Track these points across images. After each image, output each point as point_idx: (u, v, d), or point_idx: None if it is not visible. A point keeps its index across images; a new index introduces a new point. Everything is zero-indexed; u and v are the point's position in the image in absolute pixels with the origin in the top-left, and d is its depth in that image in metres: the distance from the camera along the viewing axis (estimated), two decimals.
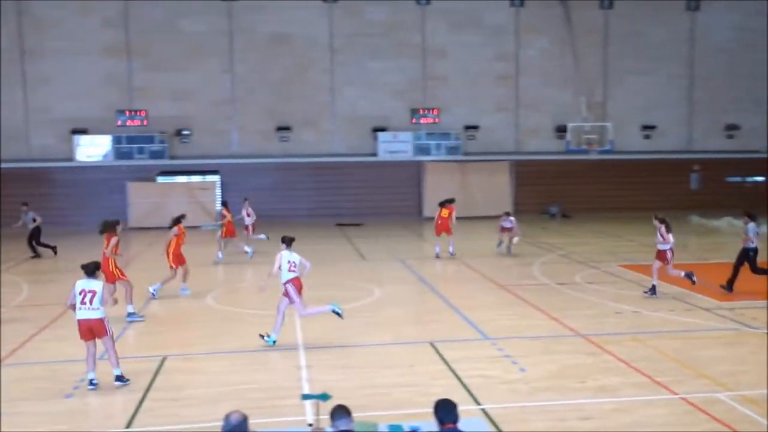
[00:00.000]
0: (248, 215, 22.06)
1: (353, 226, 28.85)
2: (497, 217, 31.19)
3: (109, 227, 13.58)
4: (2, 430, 8.04)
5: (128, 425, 8.07)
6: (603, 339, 11.22)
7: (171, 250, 15.18)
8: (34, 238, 21.63)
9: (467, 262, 19.35)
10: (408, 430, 6.52)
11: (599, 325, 12.28)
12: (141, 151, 30.08)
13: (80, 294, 9.29)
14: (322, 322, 12.91)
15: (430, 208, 31.98)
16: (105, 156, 30.04)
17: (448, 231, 20.15)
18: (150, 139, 30.10)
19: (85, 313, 9.29)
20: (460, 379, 9.44)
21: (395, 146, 32.04)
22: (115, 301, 10.75)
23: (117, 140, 29.93)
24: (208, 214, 29.51)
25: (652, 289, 14.34)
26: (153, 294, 14.95)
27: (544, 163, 33.08)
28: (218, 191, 30.27)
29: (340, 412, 5.46)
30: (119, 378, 9.38)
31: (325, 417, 6.04)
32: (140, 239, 25.93)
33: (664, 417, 8.03)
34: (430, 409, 5.48)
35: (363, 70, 31.94)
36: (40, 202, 29.45)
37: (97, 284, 9.39)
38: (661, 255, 14.43)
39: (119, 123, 29.86)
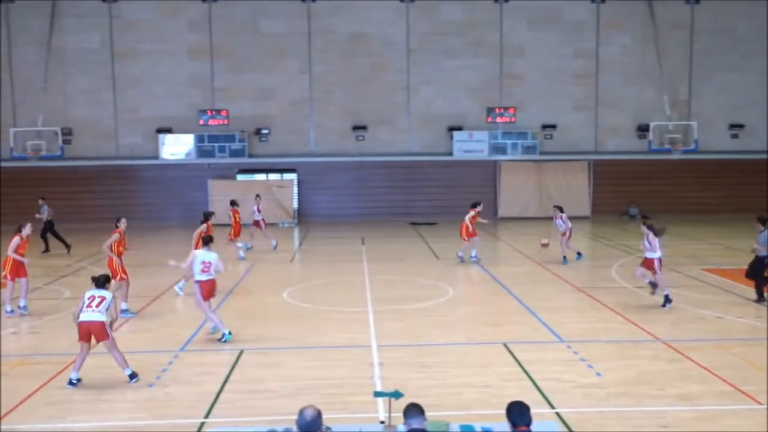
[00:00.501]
0: (259, 212, 22.41)
1: (427, 225, 28.84)
2: (573, 218, 30.71)
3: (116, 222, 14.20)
4: (89, 417, 8.43)
5: (206, 416, 8.33)
6: (684, 345, 10.86)
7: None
8: (48, 231, 22.20)
9: (543, 263, 19.05)
10: (480, 430, 6.49)
11: (680, 330, 11.89)
12: (222, 149, 30.90)
13: (88, 299, 9.50)
14: (396, 320, 12.98)
15: (505, 208, 31.71)
16: (188, 154, 31.00)
17: (465, 234, 18.86)
18: (231, 138, 30.88)
19: (87, 315, 9.38)
20: (533, 381, 9.33)
21: (470, 145, 31.84)
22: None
23: (199, 139, 30.83)
24: (285, 212, 30.07)
25: (652, 285, 13.71)
26: (180, 290, 15.14)
27: (624, 162, 32.22)
28: (295, 189, 30.80)
29: (414, 410, 5.47)
30: (132, 376, 9.44)
31: (398, 415, 6.09)
32: (220, 235, 26.61)
33: (749, 428, 7.72)
34: (503, 411, 5.44)
35: (439, 69, 31.88)
36: (128, 198, 30.85)
37: (107, 294, 9.62)
38: (647, 263, 13.61)
39: (201, 122, 30.75)
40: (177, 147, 30.94)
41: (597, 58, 32.43)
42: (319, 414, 5.30)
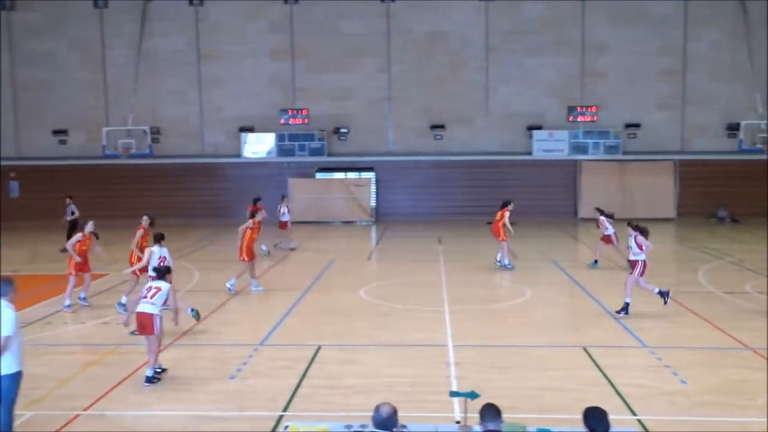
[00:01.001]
0: (288, 212, 22.39)
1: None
2: (657, 220, 29.79)
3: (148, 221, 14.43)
4: (175, 405, 8.75)
5: (285, 409, 8.51)
6: None
7: (244, 244, 15.35)
8: (73, 230, 22.41)
9: (626, 265, 18.54)
10: None
11: None
12: (302, 148, 31.42)
13: (146, 290, 9.67)
14: (473, 320, 12.92)
15: (586, 209, 31.01)
16: (269, 153, 31.67)
17: (497, 235, 18.25)
18: (310, 137, 31.37)
19: (142, 307, 9.49)
20: (614, 387, 9.12)
21: (550, 144, 31.30)
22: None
23: (280, 138, 31.45)
24: (363, 210, 30.33)
25: (625, 308, 12.89)
26: (230, 289, 15.23)
27: (712, 163, 30.98)
28: (373, 188, 31.03)
29: (491, 411, 5.43)
30: (149, 379, 9.39)
31: (473, 415, 6.07)
32: (299, 232, 27.09)
33: None
34: (581, 416, 5.35)
35: (518, 68, 31.48)
36: (211, 195, 31.81)
37: (164, 285, 9.72)
38: (633, 265, 13.03)
39: (282, 121, 31.35)
40: (258, 146, 31.66)
41: (684, 54, 31.32)
42: (394, 411, 5.34)
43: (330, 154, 31.57)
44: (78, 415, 8.35)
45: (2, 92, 32.17)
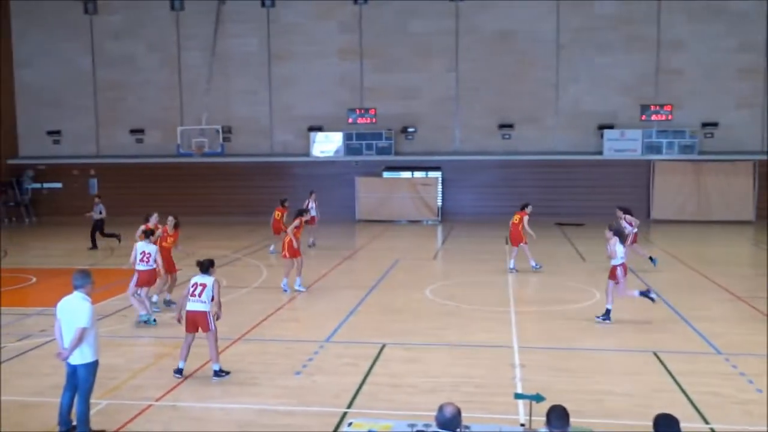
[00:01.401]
0: (316, 207, 22.59)
1: (573, 226, 28.02)
2: (735, 222, 28.71)
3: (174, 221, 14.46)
4: (242, 399, 8.95)
5: (349, 406, 8.60)
6: None
7: (287, 242, 15.35)
8: (97, 229, 22.57)
9: (701, 269, 17.98)
10: None
11: None
12: (369, 147, 31.62)
13: (192, 287, 9.65)
14: (539, 322, 12.75)
15: (658, 211, 30.19)
16: (337, 152, 32.00)
17: (515, 240, 17.87)
18: (378, 136, 31.53)
19: (192, 305, 9.58)
20: (686, 394, 8.85)
21: (622, 144, 30.56)
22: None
23: (348, 137, 31.72)
24: (429, 210, 30.30)
25: (606, 314, 12.53)
26: (295, 289, 15.28)
27: None
28: (440, 187, 30.96)
29: (558, 414, 5.34)
30: (217, 373, 9.55)
31: (538, 418, 6.00)
32: (366, 231, 27.29)
33: None
34: (649, 423, 5.22)
35: (589, 66, 30.85)
36: (280, 193, 32.24)
37: (209, 279, 9.70)
38: (611, 271, 12.63)
39: (350, 121, 31.62)
40: (327, 144, 32.01)
41: (766, 51, 30.06)
42: (458, 412, 5.32)
43: (397, 153, 31.65)
44: (150, 405, 8.64)
45: (84, 93, 33.54)
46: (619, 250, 12.59)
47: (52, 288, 12.96)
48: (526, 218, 17.80)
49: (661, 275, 17.49)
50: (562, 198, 30.88)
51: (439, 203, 30.93)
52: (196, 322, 9.62)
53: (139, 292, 12.78)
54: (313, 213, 22.46)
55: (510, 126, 31.45)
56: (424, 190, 30.55)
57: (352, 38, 32.05)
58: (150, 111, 33.22)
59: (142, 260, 12.71)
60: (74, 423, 7.70)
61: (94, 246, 22.44)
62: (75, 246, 23.38)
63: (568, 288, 15.94)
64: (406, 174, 31.58)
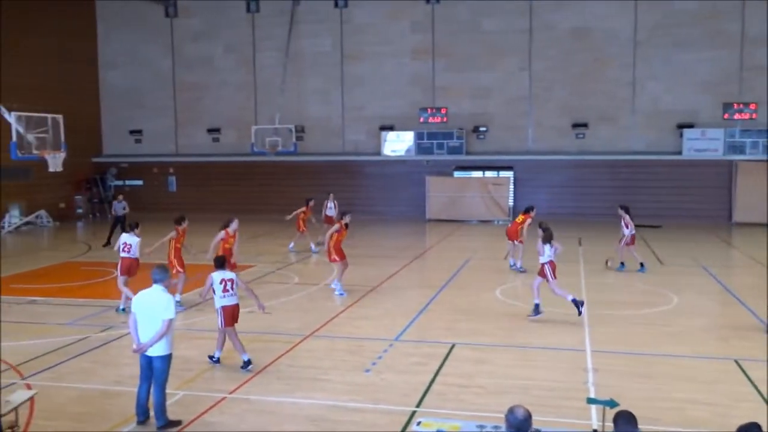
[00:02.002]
0: (334, 207, 22.67)
1: (650, 228, 27.22)
2: None
3: (178, 221, 14.60)
4: (313, 394, 9.08)
5: (418, 405, 8.61)
6: None
7: (332, 244, 15.23)
8: (117, 226, 22.59)
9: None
10: None
11: None
12: (440, 146, 31.53)
13: (221, 283, 9.96)
14: (613, 326, 12.46)
15: (741, 213, 29.00)
16: (407, 151, 32.03)
17: (512, 237, 18.17)
18: (449, 135, 31.41)
19: (229, 300, 9.98)
20: None
21: (703, 144, 29.49)
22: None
23: (419, 136, 31.72)
24: (501, 210, 30.00)
25: (535, 309, 12.80)
26: (341, 293, 15.15)
27: None
28: (511, 187, 30.62)
29: (626, 419, 5.20)
30: (247, 363, 9.84)
31: (612, 425, 5.86)
32: (436, 230, 27.24)
33: None
34: None
35: (668, 63, 29.90)
36: (351, 192, 32.62)
37: (231, 274, 10.11)
38: (540, 269, 12.82)
39: (421, 120, 31.61)
40: (398, 144, 32.09)
41: None
42: (529, 415, 5.26)
43: (468, 153, 31.46)
44: (224, 398, 8.87)
45: (164, 94, 34.67)
46: (546, 248, 12.78)
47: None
48: (528, 221, 17.90)
49: (742, 279, 16.84)
50: (638, 199, 29.96)
51: (511, 203, 30.58)
52: (234, 316, 10.07)
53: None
54: (330, 213, 22.73)
55: (584, 125, 30.81)
56: (495, 190, 30.26)
57: (425, 37, 32.02)
58: (226, 111, 34.06)
59: (123, 249, 13.60)
60: (151, 413, 8.00)
61: (108, 243, 22.66)
62: (153, 241, 24.14)
63: (644, 291, 15.52)
64: (477, 173, 31.35)
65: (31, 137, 17.91)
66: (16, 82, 27.08)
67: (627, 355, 10.68)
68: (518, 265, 17.98)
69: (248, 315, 13.41)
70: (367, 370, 9.95)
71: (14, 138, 17.52)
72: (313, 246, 21.56)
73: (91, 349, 11.11)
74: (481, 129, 31.61)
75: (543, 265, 12.90)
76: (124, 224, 23.06)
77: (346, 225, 15.43)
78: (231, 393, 9.03)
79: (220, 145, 34.32)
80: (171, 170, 34.85)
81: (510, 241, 18.33)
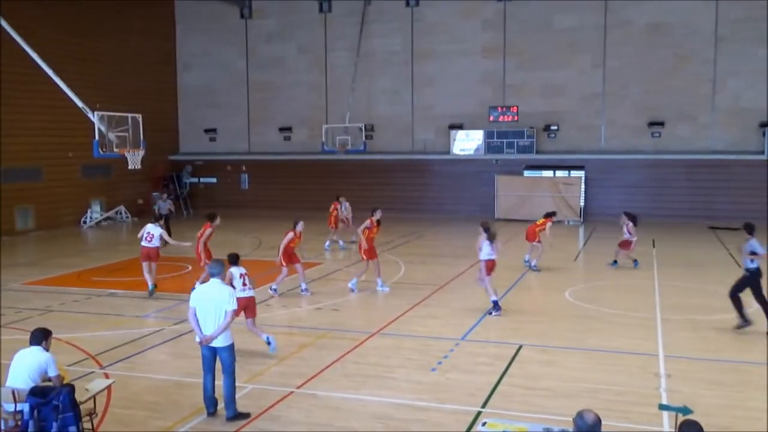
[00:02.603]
0: (344, 210, 22.53)
1: (729, 231, 26.21)
2: None
3: (210, 217, 15.08)
4: (379, 391, 9.13)
5: (483, 406, 8.56)
6: None
7: (361, 244, 15.34)
8: (168, 223, 23.09)
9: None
10: None
11: None
12: (510, 145, 31.18)
13: (240, 278, 10.70)
14: (688, 330, 12.09)
15: None
16: (477, 150, 31.80)
17: (530, 238, 18.22)
18: (519, 134, 31.02)
19: (247, 293, 10.68)
20: None
21: None
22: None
23: (489, 135, 31.45)
24: (571, 210, 29.46)
25: (494, 307, 13.14)
26: (378, 290, 15.25)
27: None
28: (582, 187, 30.01)
29: (692, 428, 5.03)
30: (269, 341, 10.60)
31: None
32: (505, 230, 26.94)
33: None
34: None
35: (752, 59, 28.67)
36: (420, 190, 32.65)
37: (243, 269, 10.86)
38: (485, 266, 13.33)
39: (491, 119, 31.33)
40: (467, 143, 31.90)
41: None
42: (599, 420, 5.14)
43: (539, 152, 31.00)
44: (292, 392, 9.02)
45: (238, 94, 35.47)
46: (485, 246, 13.27)
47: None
48: (549, 224, 18.09)
49: None
50: (717, 200, 29.01)
51: (582, 203, 29.98)
52: (249, 307, 10.79)
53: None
54: (343, 214, 22.67)
55: (660, 124, 29.91)
56: (566, 190, 29.73)
57: (496, 36, 31.72)
58: (298, 110, 34.58)
59: (146, 239, 14.90)
60: (220, 404, 8.20)
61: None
62: (226, 238, 24.75)
63: (721, 296, 14.93)
64: (548, 173, 30.85)
65: (112, 136, 18.64)
66: (98, 82, 28.20)
67: (701, 361, 10.34)
68: (533, 263, 18.11)
69: (316, 311, 13.62)
70: (433, 369, 9.95)
71: (96, 137, 18.28)
72: (341, 242, 22.21)
73: (165, 341, 11.48)
74: (552, 128, 31.09)
75: (482, 262, 13.38)
76: (169, 222, 23.99)
77: (378, 222, 15.56)
78: (298, 388, 9.18)
79: (292, 143, 34.87)
80: (244, 168, 35.63)
81: (529, 242, 18.39)
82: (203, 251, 14.63)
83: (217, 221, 15.07)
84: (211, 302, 7.99)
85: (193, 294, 8.19)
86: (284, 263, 14.70)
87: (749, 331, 12.04)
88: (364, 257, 15.36)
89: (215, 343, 8.00)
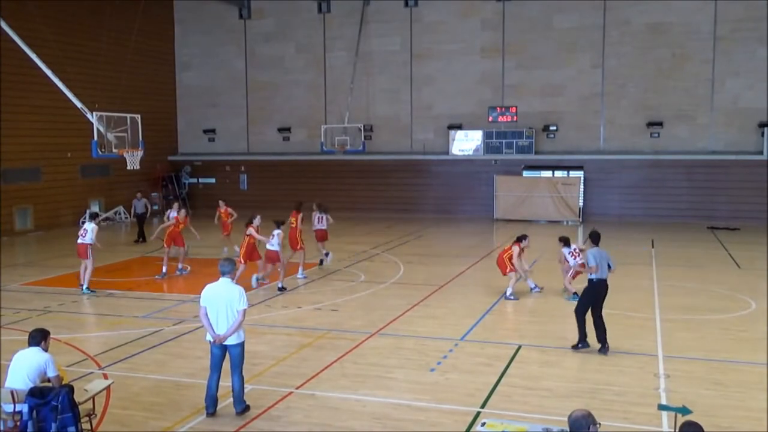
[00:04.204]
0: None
1: (728, 231, 26.25)
2: None
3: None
4: (378, 391, 9.13)
5: (482, 406, 8.55)
6: None
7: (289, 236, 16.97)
8: (143, 223, 24.09)
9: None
10: None
11: None
12: (509, 145, 31.17)
13: (272, 236, 14.72)
14: (687, 331, 12.09)
15: None
16: (476, 150, 31.79)
17: (502, 268, 15.00)
18: (518, 135, 31.01)
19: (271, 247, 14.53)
20: None
21: None
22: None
23: (487, 135, 31.43)
24: (570, 210, 29.46)
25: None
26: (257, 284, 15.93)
27: None
28: (581, 187, 30.00)
29: (692, 428, 5.03)
30: (281, 289, 13.37)
31: None
32: (504, 230, 26.96)
33: None
34: None
35: (751, 59, 28.67)
36: (419, 191, 32.63)
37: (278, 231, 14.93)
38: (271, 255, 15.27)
39: (490, 119, 31.31)
40: (466, 143, 31.89)
41: None
42: (586, 414, 5.12)
43: (537, 152, 30.99)
44: (291, 393, 9.02)
45: (237, 94, 35.46)
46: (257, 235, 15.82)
47: (207, 276, 13.79)
48: (516, 250, 14.84)
49: None
50: (716, 201, 29.02)
51: (581, 203, 29.98)
52: (271, 259, 14.74)
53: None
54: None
55: (659, 124, 29.91)
56: (565, 190, 29.71)
57: (495, 35, 31.71)
58: (296, 110, 34.56)
59: (80, 234, 15.50)
60: (220, 404, 8.20)
61: (142, 240, 23.84)
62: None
63: (720, 296, 14.98)
64: (547, 173, 30.84)
65: (111, 136, 18.63)
66: (96, 82, 28.17)
67: (701, 361, 10.34)
68: (507, 293, 14.72)
69: (315, 312, 13.61)
70: (433, 370, 9.94)
71: (95, 137, 18.26)
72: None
73: (165, 342, 11.48)
74: (551, 128, 31.09)
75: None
76: (143, 222, 24.34)
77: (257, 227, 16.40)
78: (297, 388, 9.17)
79: (290, 143, 34.85)
80: (242, 168, 35.61)
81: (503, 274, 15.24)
82: (175, 238, 17.27)
83: (183, 213, 17.78)
84: (222, 301, 8.03)
85: (204, 293, 8.22)
86: (243, 260, 15.59)
87: (748, 330, 12.04)
88: (242, 260, 15.49)
89: (227, 341, 8.06)
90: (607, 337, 10.65)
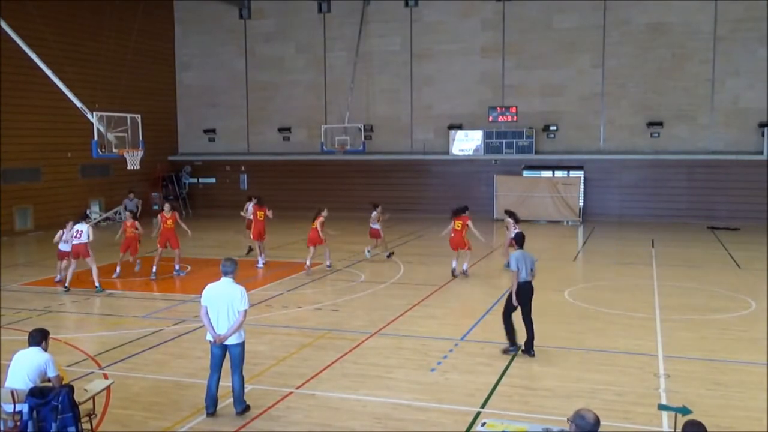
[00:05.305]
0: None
1: (728, 231, 26.25)
2: None
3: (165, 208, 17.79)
4: (378, 392, 9.13)
5: (482, 406, 8.56)
6: None
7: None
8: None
9: None
10: None
11: None
12: (509, 145, 31.16)
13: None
14: (687, 330, 12.09)
15: None
16: (476, 150, 31.78)
17: (460, 245, 16.79)
18: (518, 135, 31.01)
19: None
20: None
21: None
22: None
23: (488, 135, 31.43)
24: (570, 210, 29.45)
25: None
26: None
27: None
28: (581, 187, 30.00)
29: (694, 428, 5.03)
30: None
31: None
32: (504, 230, 26.91)
33: None
34: None
35: (751, 59, 28.67)
36: (419, 191, 32.62)
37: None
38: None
39: (490, 119, 31.31)
40: (466, 143, 31.89)
41: None
42: (598, 420, 5.12)
43: (538, 152, 30.99)
44: (291, 393, 9.02)
45: (237, 94, 35.46)
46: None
47: (207, 276, 13.80)
48: (470, 222, 16.84)
49: None
50: (716, 201, 29.02)
51: (581, 203, 29.98)
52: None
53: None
54: (373, 226, 20.05)
55: (659, 124, 29.91)
56: (565, 190, 29.70)
57: (495, 35, 31.71)
58: (296, 110, 34.55)
59: (75, 236, 15.69)
60: (221, 404, 8.20)
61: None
62: (227, 237, 24.80)
63: (720, 296, 14.99)
64: (547, 173, 30.82)
65: (111, 136, 18.63)
66: (96, 82, 28.16)
67: (701, 361, 10.34)
68: (465, 267, 17.09)
69: (316, 311, 13.62)
70: (433, 370, 9.95)
71: (95, 137, 18.26)
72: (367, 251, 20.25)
73: (165, 342, 11.48)
74: (552, 128, 31.09)
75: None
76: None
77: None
78: (297, 388, 9.18)
79: (291, 143, 34.84)
80: (243, 168, 35.61)
81: (459, 249, 17.03)
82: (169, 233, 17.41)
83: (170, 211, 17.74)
84: (223, 301, 8.04)
85: (205, 292, 8.22)
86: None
87: (748, 330, 12.05)
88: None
89: (227, 341, 8.07)
90: (609, 336, 10.64)
